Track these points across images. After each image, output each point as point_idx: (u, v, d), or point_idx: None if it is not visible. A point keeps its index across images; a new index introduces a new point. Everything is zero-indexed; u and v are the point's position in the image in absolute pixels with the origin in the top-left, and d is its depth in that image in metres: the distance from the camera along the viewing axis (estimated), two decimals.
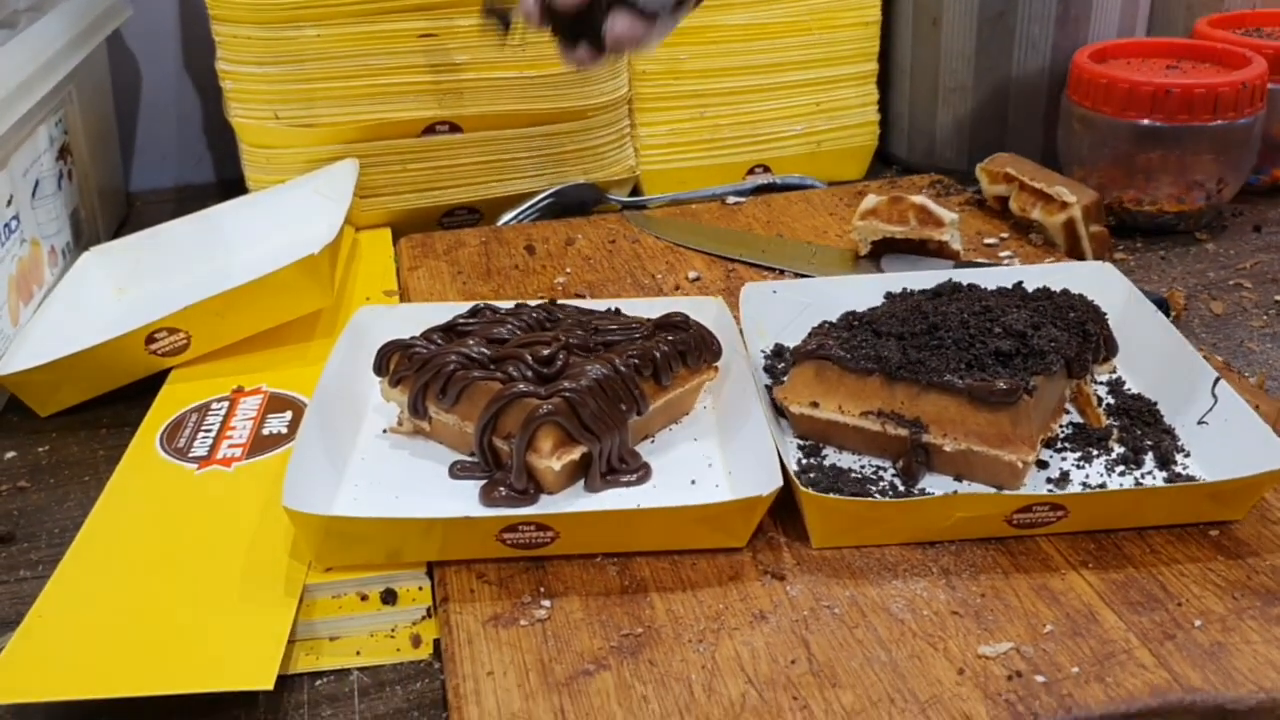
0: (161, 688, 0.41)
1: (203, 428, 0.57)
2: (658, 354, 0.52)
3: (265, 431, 0.56)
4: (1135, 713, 0.39)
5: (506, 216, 0.80)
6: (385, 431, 0.55)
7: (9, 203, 0.65)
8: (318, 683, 0.44)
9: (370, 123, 0.76)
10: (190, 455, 0.54)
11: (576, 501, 0.49)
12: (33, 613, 0.44)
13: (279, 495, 0.45)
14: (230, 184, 0.95)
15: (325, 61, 0.74)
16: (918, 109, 0.90)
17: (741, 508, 0.46)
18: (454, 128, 0.77)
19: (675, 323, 0.55)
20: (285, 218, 0.73)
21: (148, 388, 0.62)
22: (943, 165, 0.89)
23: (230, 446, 0.55)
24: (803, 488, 0.46)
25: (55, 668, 0.41)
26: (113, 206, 0.87)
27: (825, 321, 0.55)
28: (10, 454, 0.59)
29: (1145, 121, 0.76)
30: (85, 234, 0.78)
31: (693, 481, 0.50)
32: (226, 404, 0.59)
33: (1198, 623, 0.43)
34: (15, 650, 0.42)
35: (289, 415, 0.57)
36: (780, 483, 0.46)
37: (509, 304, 0.57)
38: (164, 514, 0.50)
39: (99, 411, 0.62)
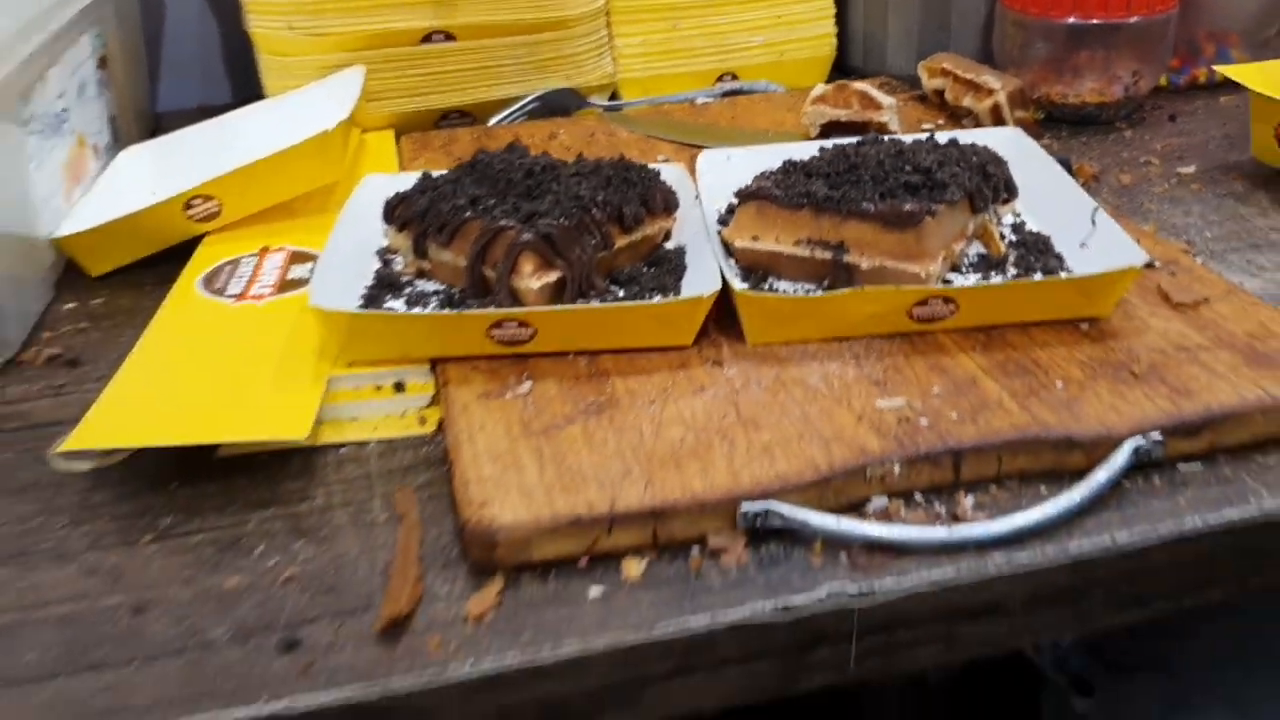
0: (220, 437, 0.50)
1: (236, 275, 0.66)
2: (623, 200, 0.62)
3: (290, 277, 0.65)
4: (1001, 443, 0.49)
5: (496, 118, 0.89)
6: (396, 270, 0.64)
7: (61, 95, 0.74)
8: (341, 450, 0.54)
9: (374, 32, 0.85)
10: (227, 293, 0.64)
11: None
12: (106, 391, 0.54)
13: (307, 318, 0.55)
14: (247, 103, 1.04)
15: None
16: (871, 21, 0.99)
17: (688, 306, 0.55)
18: (449, 36, 0.87)
19: (640, 176, 0.64)
20: (300, 117, 0.82)
21: (183, 254, 0.71)
22: (894, 72, 0.98)
23: (261, 288, 0.64)
24: (739, 290, 0.55)
25: (129, 424, 0.51)
26: (143, 122, 0.97)
27: (766, 170, 0.64)
28: (70, 305, 0.69)
29: (1070, 20, 0.85)
30: (122, 141, 0.88)
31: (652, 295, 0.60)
32: (255, 259, 0.68)
33: (1059, 384, 0.52)
34: (94, 414, 0.52)
35: (310, 266, 0.67)
36: (719, 285, 0.55)
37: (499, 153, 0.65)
38: (207, 331, 0.60)
39: (143, 273, 0.71)
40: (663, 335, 0.56)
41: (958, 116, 0.84)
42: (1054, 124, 0.88)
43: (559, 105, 0.91)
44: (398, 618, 0.43)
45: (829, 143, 0.68)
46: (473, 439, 0.50)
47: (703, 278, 0.58)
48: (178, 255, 0.71)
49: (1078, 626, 0.47)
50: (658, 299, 0.57)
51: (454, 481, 0.48)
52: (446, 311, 0.57)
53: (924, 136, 0.65)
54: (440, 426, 0.54)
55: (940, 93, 0.86)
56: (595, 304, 0.58)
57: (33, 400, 0.60)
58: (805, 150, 0.69)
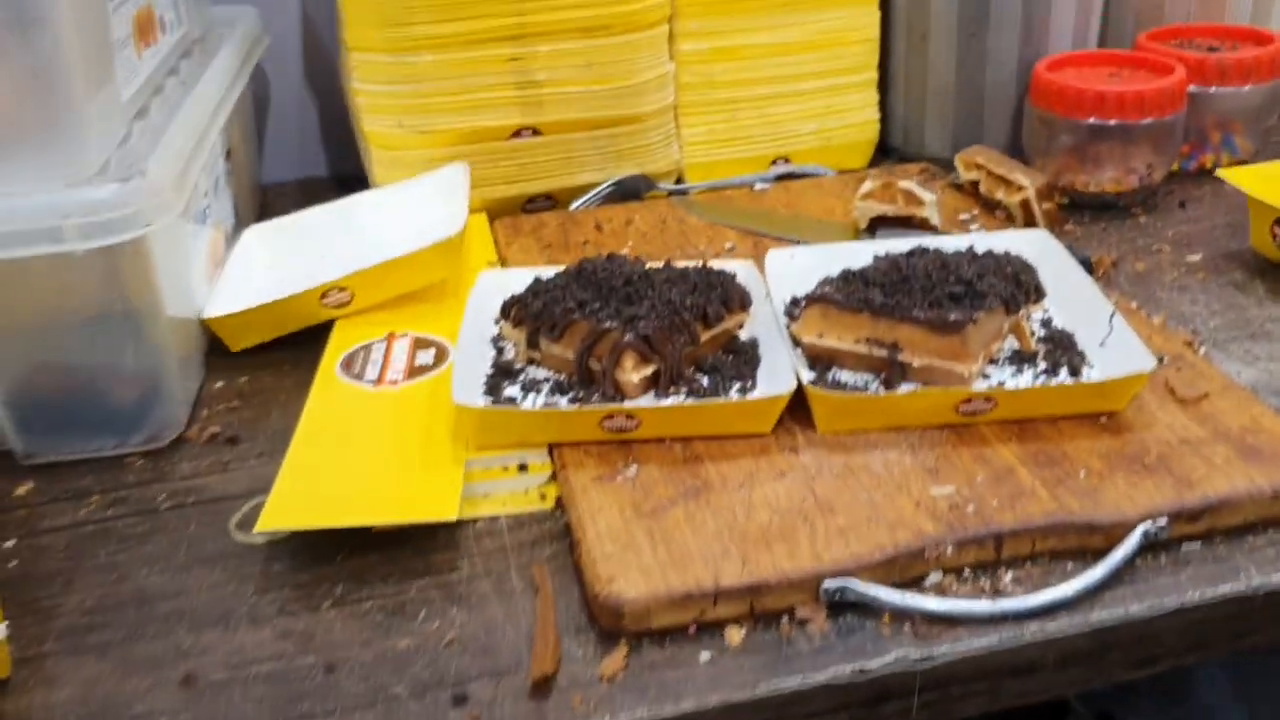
0: (383, 519, 0.61)
1: (370, 360, 0.77)
2: (706, 301, 0.72)
3: (417, 363, 0.76)
4: (1034, 528, 0.59)
5: (577, 202, 1.00)
6: (509, 357, 0.74)
7: (206, 194, 0.85)
8: (477, 524, 0.64)
9: (471, 129, 0.96)
10: (365, 378, 0.74)
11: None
12: (280, 476, 0.64)
13: (438, 403, 0.66)
14: (342, 178, 1.15)
15: (438, 81, 0.93)
16: (911, 109, 1.09)
17: (768, 403, 0.65)
18: (535, 132, 0.97)
19: (719, 279, 0.74)
20: (413, 209, 0.92)
21: (311, 334, 0.81)
22: (931, 155, 1.08)
23: (393, 373, 0.75)
24: (810, 387, 0.66)
25: (305, 508, 0.62)
26: (254, 197, 1.08)
27: (828, 276, 0.74)
28: (220, 383, 0.79)
29: (1090, 120, 0.94)
30: (242, 219, 0.99)
31: (734, 388, 0.70)
32: (385, 344, 0.79)
33: (1082, 474, 0.62)
34: (274, 498, 0.62)
35: (433, 351, 0.77)
36: (795, 384, 0.65)
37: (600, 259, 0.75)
38: (354, 416, 0.70)
39: (278, 352, 0.82)
40: (747, 425, 0.66)
41: (991, 207, 0.94)
42: (1077, 210, 0.98)
43: (632, 189, 1.01)
44: (546, 676, 0.53)
45: (882, 248, 0.78)
46: (594, 519, 0.60)
47: (777, 373, 0.68)
48: (308, 334, 0.82)
49: (1099, 681, 0.57)
50: (743, 396, 0.68)
51: (581, 558, 0.59)
52: (566, 406, 0.67)
53: (964, 246, 0.75)
54: (558, 502, 0.65)
55: (975, 184, 0.96)
56: (691, 401, 0.68)
57: (204, 476, 0.70)
58: (860, 254, 0.79)
